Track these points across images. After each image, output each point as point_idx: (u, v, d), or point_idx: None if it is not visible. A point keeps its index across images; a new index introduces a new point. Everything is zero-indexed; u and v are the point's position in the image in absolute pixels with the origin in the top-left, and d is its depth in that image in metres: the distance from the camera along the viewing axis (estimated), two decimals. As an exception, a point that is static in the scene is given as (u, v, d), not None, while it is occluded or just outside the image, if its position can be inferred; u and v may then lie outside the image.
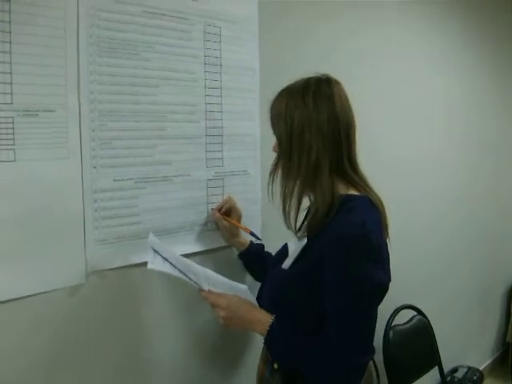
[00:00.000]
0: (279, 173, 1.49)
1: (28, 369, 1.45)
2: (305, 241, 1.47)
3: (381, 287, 1.38)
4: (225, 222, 1.85)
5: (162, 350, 1.79)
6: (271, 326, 1.44)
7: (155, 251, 1.57)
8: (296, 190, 1.44)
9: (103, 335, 1.62)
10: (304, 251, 1.47)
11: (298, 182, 1.44)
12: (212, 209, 1.88)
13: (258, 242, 1.92)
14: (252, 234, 1.87)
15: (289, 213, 1.46)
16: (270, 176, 1.52)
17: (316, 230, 1.43)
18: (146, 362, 1.75)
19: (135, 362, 1.71)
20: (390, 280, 1.41)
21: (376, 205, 1.45)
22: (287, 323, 1.44)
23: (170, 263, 1.56)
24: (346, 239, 1.33)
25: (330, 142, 1.40)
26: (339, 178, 1.45)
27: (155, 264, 1.53)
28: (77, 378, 1.56)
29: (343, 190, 1.44)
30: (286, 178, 1.46)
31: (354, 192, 1.45)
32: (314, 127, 1.39)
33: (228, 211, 1.86)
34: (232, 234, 1.88)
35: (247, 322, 1.50)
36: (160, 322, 1.77)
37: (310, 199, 1.49)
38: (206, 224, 1.87)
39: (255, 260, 1.89)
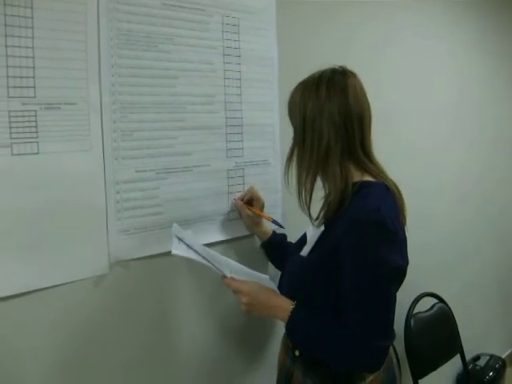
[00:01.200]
0: (294, 160, 1.52)
1: (49, 359, 1.48)
2: (322, 228, 1.49)
3: (398, 271, 1.39)
4: (247, 211, 1.87)
5: (186, 337, 1.81)
6: (292, 313, 1.45)
7: (179, 239, 1.59)
8: (310, 177, 1.47)
9: (127, 324, 1.64)
10: (321, 238, 1.49)
11: (311, 169, 1.46)
12: (235, 199, 1.90)
13: (281, 231, 1.94)
14: (275, 222, 1.89)
15: (305, 199, 1.48)
16: (286, 163, 1.55)
17: (332, 216, 1.45)
18: (170, 350, 1.77)
19: (160, 349, 1.74)
20: (407, 264, 1.42)
21: (392, 190, 1.46)
22: (307, 308, 1.46)
23: (194, 250, 1.57)
24: (361, 225, 1.34)
25: (341, 130, 1.42)
26: (354, 166, 1.47)
27: (179, 250, 1.55)
28: (102, 366, 1.59)
29: (358, 176, 1.46)
30: (301, 165, 1.49)
31: (369, 178, 1.47)
32: (325, 117, 1.42)
33: (250, 200, 1.89)
34: (255, 223, 1.90)
35: (268, 308, 1.52)
36: (183, 310, 1.79)
37: (324, 187, 1.51)
38: (227, 214, 1.88)
39: (277, 249, 1.90)
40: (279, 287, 1.61)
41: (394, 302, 1.39)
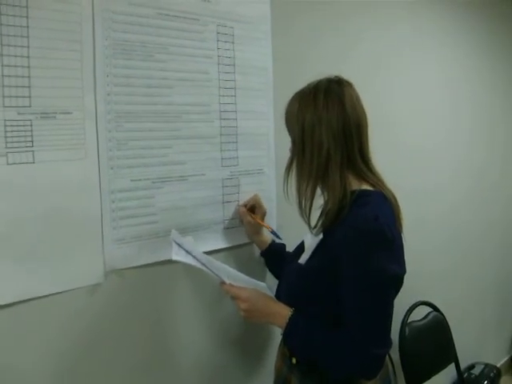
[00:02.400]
0: (294, 171, 1.53)
1: (46, 366, 1.47)
2: (320, 236, 1.49)
3: (396, 279, 1.39)
4: (249, 218, 1.88)
5: (183, 346, 1.81)
6: (290, 319, 1.46)
7: (178, 245, 1.59)
8: (310, 186, 1.47)
9: (123, 333, 1.64)
10: (320, 246, 1.49)
11: (311, 178, 1.47)
12: (238, 205, 1.91)
13: (279, 241, 1.94)
14: (273, 232, 1.90)
15: (305, 208, 1.49)
16: (284, 174, 1.55)
17: (330, 225, 1.45)
18: (167, 358, 1.76)
19: (157, 358, 1.73)
20: (405, 272, 1.42)
21: (389, 199, 1.47)
22: (305, 317, 1.46)
23: (193, 256, 1.58)
24: (360, 233, 1.34)
25: (340, 139, 1.43)
26: (352, 175, 1.47)
27: (179, 255, 1.56)
28: (99, 375, 1.58)
29: (356, 185, 1.47)
30: (300, 175, 1.50)
31: (367, 187, 1.47)
32: (324, 126, 1.43)
33: (253, 208, 1.90)
34: (255, 230, 1.92)
35: (267, 315, 1.52)
36: (179, 318, 1.79)
37: (323, 195, 1.51)
38: (222, 222, 1.88)
39: (277, 259, 1.90)
40: (277, 295, 1.62)
41: (392, 310, 1.39)
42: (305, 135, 1.45)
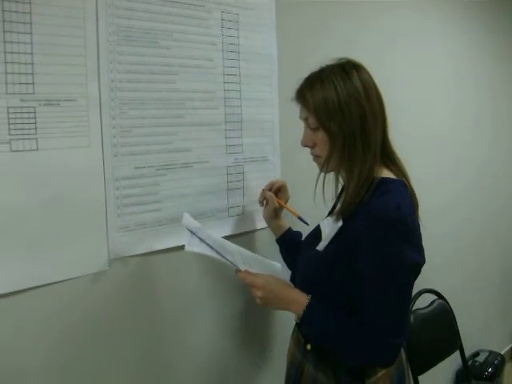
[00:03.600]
0: (335, 161, 1.47)
1: (50, 356, 1.47)
2: (340, 223, 1.47)
3: (416, 269, 1.39)
4: (276, 203, 1.84)
5: (188, 333, 1.81)
6: (307, 307, 1.44)
7: (192, 232, 1.56)
8: (367, 166, 1.43)
9: (127, 321, 1.63)
10: (339, 233, 1.47)
11: (367, 159, 1.42)
12: (263, 190, 1.87)
13: (297, 228, 1.90)
14: (300, 218, 1.83)
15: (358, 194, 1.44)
16: (322, 169, 1.51)
17: (350, 211, 1.43)
18: (171, 347, 1.77)
19: (160, 347, 1.73)
20: (424, 262, 1.41)
21: (409, 187, 1.46)
22: (323, 304, 1.45)
23: (207, 244, 1.55)
24: (381, 222, 1.33)
25: (381, 118, 1.44)
26: (377, 162, 1.45)
27: (192, 245, 1.52)
28: (103, 364, 1.58)
29: (379, 172, 1.45)
30: (354, 161, 1.43)
31: (389, 175, 1.46)
32: (370, 115, 1.41)
33: (277, 191, 1.86)
34: (276, 215, 1.88)
35: (283, 302, 1.50)
36: (184, 307, 1.79)
37: (343, 179, 1.50)
38: (227, 210, 1.88)
39: (292, 247, 1.85)
40: (292, 281, 1.60)
41: (410, 299, 1.40)
42: (354, 127, 1.40)
